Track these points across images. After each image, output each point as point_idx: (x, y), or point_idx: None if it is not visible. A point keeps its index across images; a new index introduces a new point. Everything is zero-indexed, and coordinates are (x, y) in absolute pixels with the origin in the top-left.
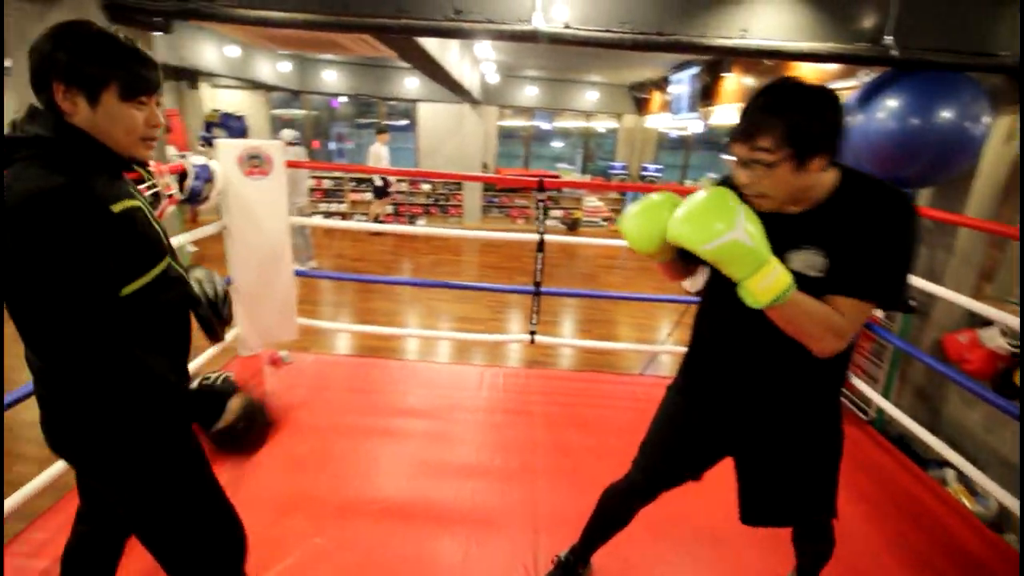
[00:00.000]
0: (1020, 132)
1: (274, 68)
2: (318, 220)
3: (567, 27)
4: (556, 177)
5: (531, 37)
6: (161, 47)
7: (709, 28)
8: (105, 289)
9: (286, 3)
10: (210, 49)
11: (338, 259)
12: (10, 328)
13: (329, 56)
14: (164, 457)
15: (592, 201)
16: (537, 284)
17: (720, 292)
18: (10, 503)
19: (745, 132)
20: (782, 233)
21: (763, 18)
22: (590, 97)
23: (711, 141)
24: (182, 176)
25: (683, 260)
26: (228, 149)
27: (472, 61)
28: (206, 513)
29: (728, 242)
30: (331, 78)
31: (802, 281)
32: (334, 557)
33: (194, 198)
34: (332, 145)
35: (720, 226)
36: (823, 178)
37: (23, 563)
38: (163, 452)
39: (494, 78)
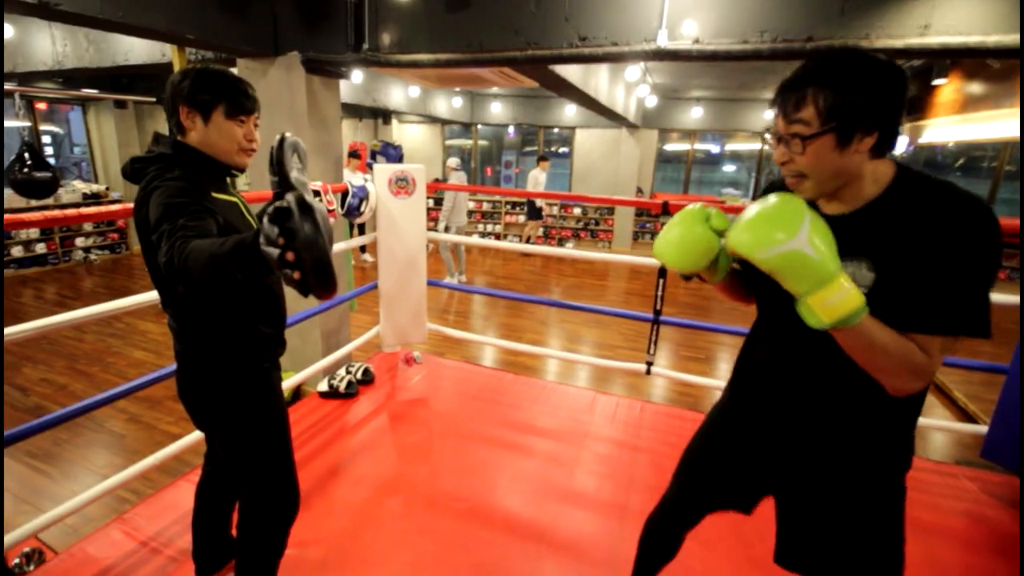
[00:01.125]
0: (1020, 130)
1: (449, 104)
2: (456, 237)
3: (696, 42)
4: (721, 203)
5: (658, 56)
6: (361, 92)
7: (874, 28)
8: None
9: (432, 46)
10: (398, 91)
11: (488, 275)
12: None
13: (495, 90)
14: (256, 404)
15: None
16: (657, 312)
17: (777, 305)
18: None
19: (784, 101)
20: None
21: (950, 10)
22: (766, 117)
23: (933, 164)
24: (344, 195)
25: (746, 276)
26: (382, 172)
27: (626, 86)
28: (278, 459)
29: (787, 251)
30: (497, 110)
31: None
32: (414, 542)
33: (351, 213)
34: (502, 171)
35: (781, 235)
36: (874, 168)
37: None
38: (255, 400)
39: (652, 101)
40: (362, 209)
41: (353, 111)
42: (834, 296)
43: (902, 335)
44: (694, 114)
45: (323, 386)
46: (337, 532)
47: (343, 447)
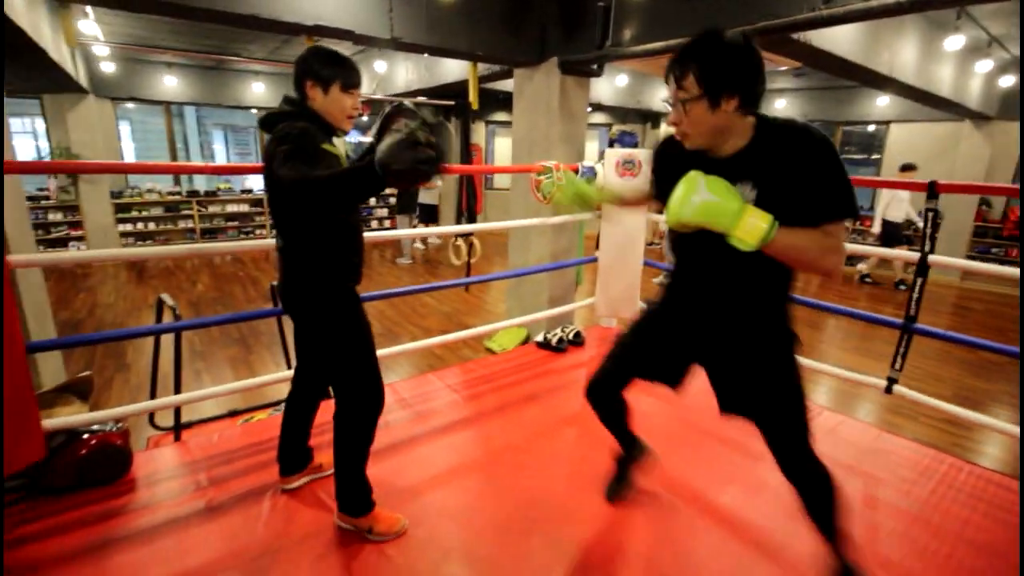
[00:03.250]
0: (1020, 131)
1: None
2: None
3: None
4: None
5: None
6: (625, 94)
7: None
8: None
9: (667, 34)
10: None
11: None
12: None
13: (779, 84)
14: (347, 312)
15: None
16: (910, 318)
17: (692, 244)
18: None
19: (671, 74)
20: (718, 174)
21: None
22: None
23: None
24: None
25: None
26: (610, 155)
27: (960, 60)
28: (366, 359)
29: (699, 204)
30: (782, 105)
31: None
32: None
33: None
34: None
35: (690, 199)
36: (741, 122)
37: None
38: (347, 312)
39: (1007, 81)
40: None
41: (619, 115)
42: (749, 224)
43: (808, 230)
44: None
45: (540, 338)
46: (520, 441)
47: (539, 385)
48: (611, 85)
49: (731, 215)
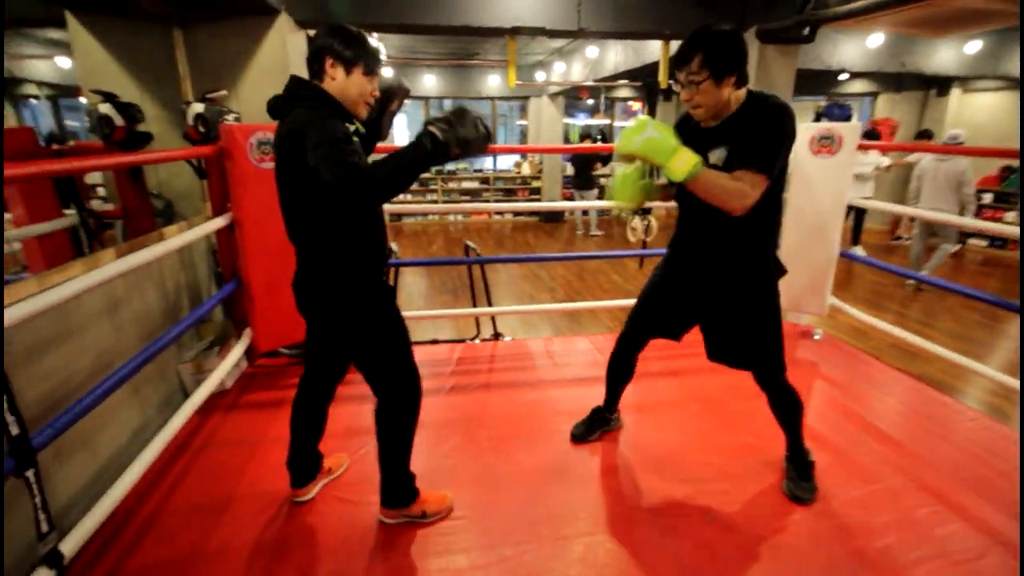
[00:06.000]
0: (1020, 128)
1: None
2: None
3: None
4: None
5: None
6: (883, 56)
7: None
8: None
9: None
10: (946, 51)
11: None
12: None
13: None
14: (379, 311)
15: None
16: None
17: (689, 203)
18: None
19: (680, 61)
20: (705, 140)
21: None
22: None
23: None
24: None
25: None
26: (803, 130)
27: None
28: (403, 352)
29: (644, 139)
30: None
31: (717, 170)
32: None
33: None
34: None
35: (638, 134)
36: (735, 96)
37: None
38: (378, 307)
39: None
40: None
41: (885, 81)
42: (680, 160)
43: (725, 174)
44: None
45: None
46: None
47: (666, 366)
48: (860, 47)
49: (667, 152)
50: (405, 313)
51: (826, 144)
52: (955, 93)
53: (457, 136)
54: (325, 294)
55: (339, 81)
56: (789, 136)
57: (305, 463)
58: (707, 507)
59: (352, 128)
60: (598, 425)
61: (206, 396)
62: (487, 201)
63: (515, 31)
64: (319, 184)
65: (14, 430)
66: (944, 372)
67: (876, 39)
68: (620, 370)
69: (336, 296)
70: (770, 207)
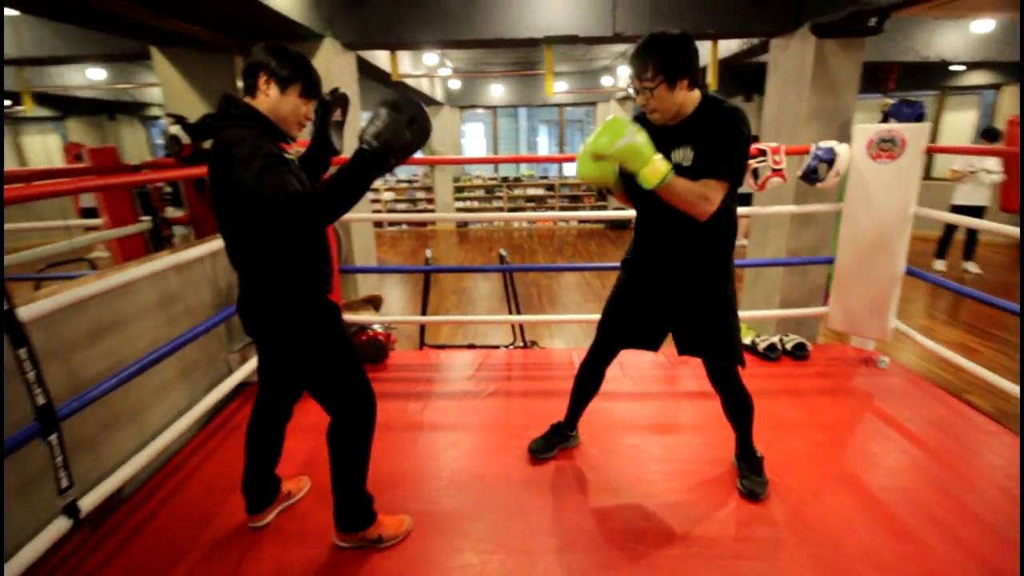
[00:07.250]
0: (1021, 128)
1: None
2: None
3: None
4: None
5: None
6: (995, 46)
7: None
8: None
9: None
10: None
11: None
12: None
13: None
14: (324, 330)
15: None
16: None
17: (649, 206)
18: None
19: (634, 69)
20: (667, 139)
21: None
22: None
23: None
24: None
25: (628, 189)
26: (862, 132)
27: None
28: (351, 371)
29: (624, 144)
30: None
31: (681, 170)
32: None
33: (807, 176)
34: None
35: (618, 138)
36: (690, 97)
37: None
38: (323, 326)
39: None
40: (820, 175)
41: (1009, 71)
42: (653, 167)
43: (695, 183)
44: None
45: (748, 340)
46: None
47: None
48: (964, 35)
49: (643, 159)
50: (439, 317)
51: (887, 148)
52: None
53: (391, 146)
54: (266, 316)
55: (272, 99)
56: (746, 141)
57: (261, 487)
58: (685, 533)
59: (290, 155)
60: (557, 441)
61: (242, 378)
62: (552, 209)
63: (548, 40)
64: (252, 204)
65: (40, 400)
66: None
67: (983, 25)
68: (587, 383)
69: (278, 318)
70: (727, 210)
